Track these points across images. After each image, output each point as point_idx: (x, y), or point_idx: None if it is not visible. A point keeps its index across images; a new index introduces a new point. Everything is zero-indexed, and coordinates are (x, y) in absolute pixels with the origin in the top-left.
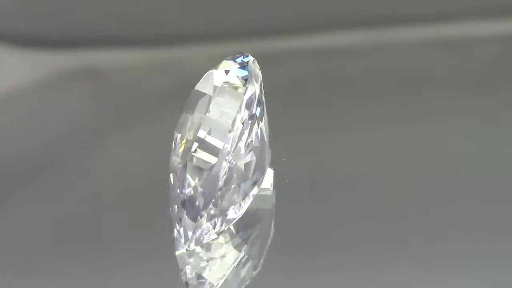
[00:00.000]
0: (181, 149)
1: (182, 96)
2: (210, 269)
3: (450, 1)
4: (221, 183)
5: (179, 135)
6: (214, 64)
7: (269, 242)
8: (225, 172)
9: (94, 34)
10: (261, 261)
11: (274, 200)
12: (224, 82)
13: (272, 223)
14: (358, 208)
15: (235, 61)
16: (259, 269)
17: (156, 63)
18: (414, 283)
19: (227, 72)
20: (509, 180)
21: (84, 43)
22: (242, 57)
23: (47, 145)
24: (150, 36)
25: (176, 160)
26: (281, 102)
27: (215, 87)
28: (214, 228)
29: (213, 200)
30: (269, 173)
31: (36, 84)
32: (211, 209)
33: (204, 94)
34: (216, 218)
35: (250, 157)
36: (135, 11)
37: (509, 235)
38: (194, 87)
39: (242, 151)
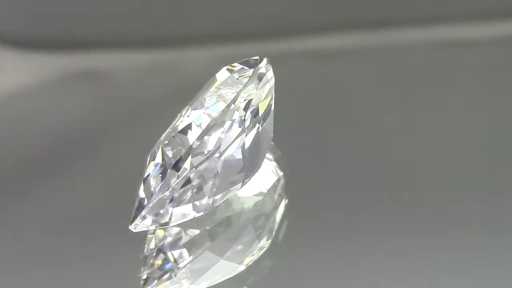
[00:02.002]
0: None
1: (182, 98)
2: (175, 254)
3: (451, 3)
4: (188, 171)
5: (184, 110)
6: (215, 67)
7: (259, 245)
8: (201, 161)
9: (94, 36)
10: (245, 262)
11: (277, 205)
12: (230, 76)
13: (271, 229)
14: (362, 207)
15: (248, 61)
16: (240, 269)
17: (157, 65)
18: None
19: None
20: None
21: (84, 45)
22: (257, 59)
23: (47, 146)
24: (150, 38)
25: (165, 134)
26: (281, 103)
27: (223, 77)
28: (167, 215)
29: (171, 185)
30: (271, 178)
31: (36, 86)
32: (165, 194)
33: (214, 80)
34: (172, 206)
35: (235, 156)
36: (135, 13)
37: None
38: (195, 89)
39: (227, 148)
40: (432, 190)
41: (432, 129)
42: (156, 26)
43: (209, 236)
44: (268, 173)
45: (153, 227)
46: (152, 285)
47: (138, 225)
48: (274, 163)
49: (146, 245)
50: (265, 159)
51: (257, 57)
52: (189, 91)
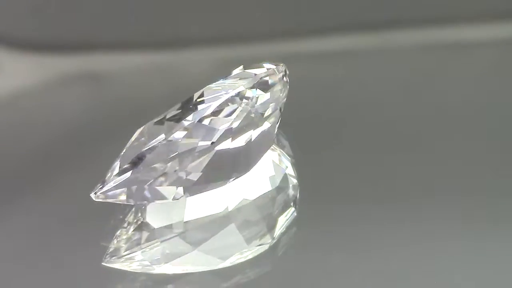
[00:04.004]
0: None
1: (182, 99)
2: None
3: (452, 4)
4: (170, 155)
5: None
6: (215, 68)
7: (255, 246)
8: (187, 148)
9: (95, 37)
10: (231, 259)
11: (284, 211)
12: (242, 73)
13: (272, 234)
14: (366, 208)
15: (267, 64)
16: (222, 265)
17: (157, 67)
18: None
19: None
20: None
21: (85, 46)
22: (271, 65)
23: (47, 147)
24: (151, 40)
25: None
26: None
27: (236, 72)
28: (132, 193)
29: (145, 164)
30: (282, 184)
31: (36, 87)
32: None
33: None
34: (138, 185)
35: (225, 151)
36: (136, 15)
37: None
38: (195, 90)
39: (220, 141)
40: (435, 188)
41: (431, 130)
42: (157, 28)
43: (191, 225)
44: (280, 178)
45: (116, 201)
46: (114, 258)
47: (99, 195)
48: (289, 170)
49: (125, 219)
50: (279, 165)
51: (281, 65)
52: (189, 92)
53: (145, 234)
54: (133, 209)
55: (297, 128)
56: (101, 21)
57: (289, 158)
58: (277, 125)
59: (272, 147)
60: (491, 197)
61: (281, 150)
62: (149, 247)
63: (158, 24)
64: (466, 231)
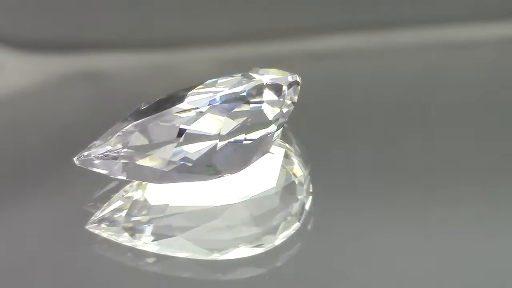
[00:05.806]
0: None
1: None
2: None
3: (452, 4)
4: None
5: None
6: (215, 68)
7: (251, 247)
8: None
9: (94, 37)
10: (223, 252)
11: (286, 219)
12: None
13: (272, 240)
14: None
15: (279, 70)
16: (212, 258)
17: (156, 67)
18: None
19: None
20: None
21: (84, 46)
22: (286, 72)
23: (47, 147)
24: (150, 39)
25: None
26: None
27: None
28: (114, 167)
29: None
30: (293, 195)
31: (35, 86)
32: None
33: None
34: (121, 161)
35: (215, 147)
36: (134, 14)
37: None
38: None
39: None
40: (442, 192)
41: (432, 131)
42: (156, 27)
43: (184, 211)
44: (283, 186)
45: (99, 170)
46: (101, 224)
47: (82, 161)
48: (301, 179)
49: (121, 191)
50: (290, 173)
51: (296, 74)
52: None
53: (138, 208)
54: (133, 182)
55: (298, 129)
56: (100, 21)
57: (303, 169)
58: (279, 131)
59: (285, 154)
60: (490, 195)
61: (298, 159)
62: (139, 221)
63: (158, 24)
64: (469, 234)
